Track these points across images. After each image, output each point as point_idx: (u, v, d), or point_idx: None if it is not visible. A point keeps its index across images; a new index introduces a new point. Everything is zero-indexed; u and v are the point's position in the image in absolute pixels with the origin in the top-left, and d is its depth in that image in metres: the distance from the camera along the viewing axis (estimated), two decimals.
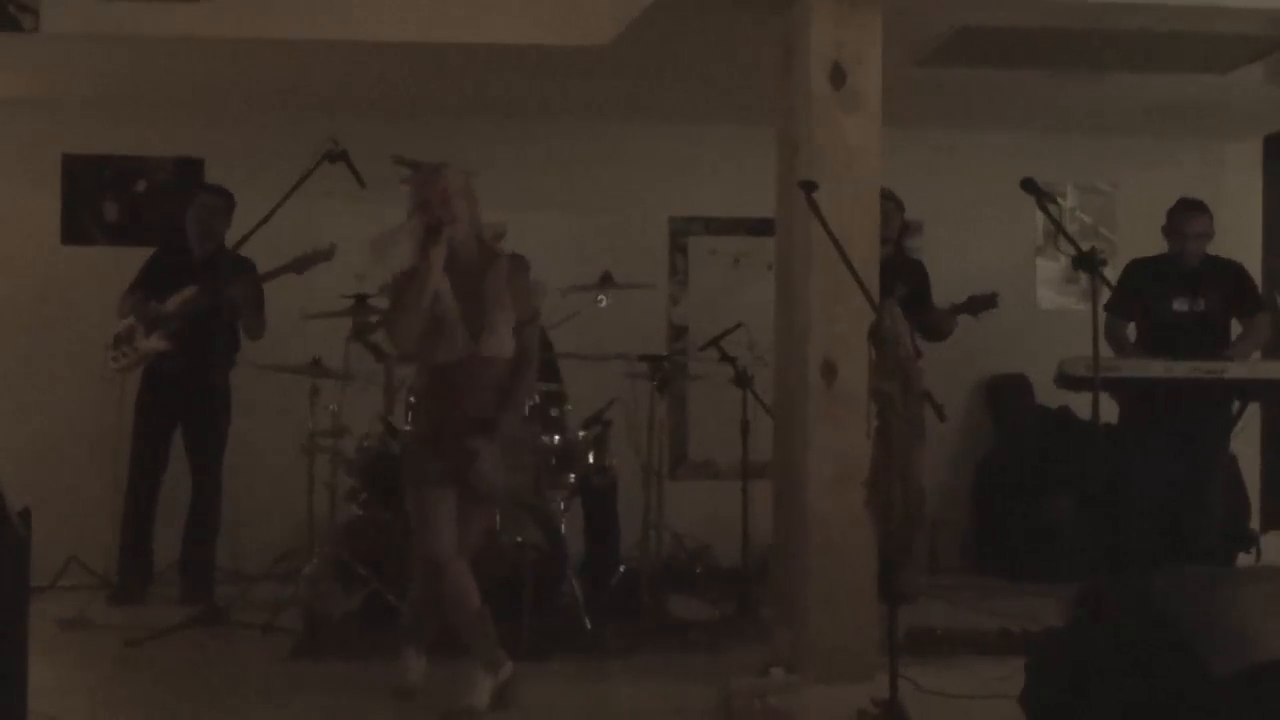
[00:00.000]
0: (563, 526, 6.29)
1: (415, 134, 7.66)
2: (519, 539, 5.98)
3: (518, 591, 5.78)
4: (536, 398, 6.25)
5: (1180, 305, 6.84)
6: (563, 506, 6.39)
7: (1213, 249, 6.97)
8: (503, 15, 6.34)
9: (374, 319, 6.47)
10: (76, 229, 7.96)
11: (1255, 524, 8.34)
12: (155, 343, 6.81)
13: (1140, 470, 6.76)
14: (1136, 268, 7.03)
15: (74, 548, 7.17)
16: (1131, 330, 6.96)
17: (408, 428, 5.72)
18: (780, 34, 5.59)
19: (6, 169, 7.84)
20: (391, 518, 6.12)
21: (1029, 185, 5.18)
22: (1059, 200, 8.22)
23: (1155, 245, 7.00)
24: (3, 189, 7.83)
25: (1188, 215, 6.83)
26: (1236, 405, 6.94)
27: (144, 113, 7.84)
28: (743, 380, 6.86)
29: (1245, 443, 7.81)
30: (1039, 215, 7.33)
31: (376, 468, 6.42)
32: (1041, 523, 7.94)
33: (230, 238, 6.87)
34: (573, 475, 6.41)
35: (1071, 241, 5.17)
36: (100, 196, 7.97)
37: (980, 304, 7.19)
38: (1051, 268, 8.62)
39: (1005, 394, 8.54)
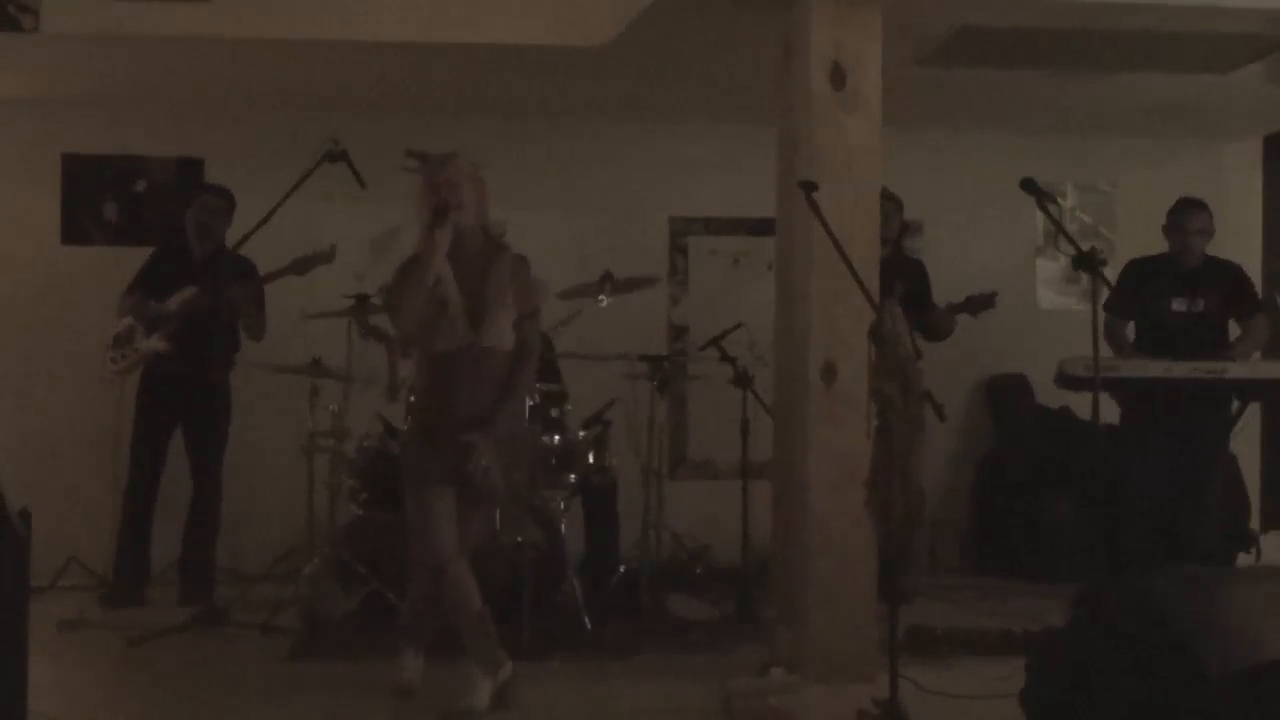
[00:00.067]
0: (563, 526, 6.30)
1: (415, 134, 7.66)
2: (519, 539, 5.98)
3: (518, 591, 5.78)
4: (537, 398, 6.25)
5: (1179, 305, 6.84)
6: (563, 506, 6.39)
7: (1212, 249, 6.98)
8: (503, 15, 6.34)
9: (376, 300, 6.43)
10: (76, 229, 7.96)
11: (1255, 524, 8.34)
12: (155, 343, 6.81)
13: (1140, 470, 6.77)
14: (1136, 267, 7.03)
15: (74, 548, 7.18)
16: (1131, 330, 6.96)
17: (406, 427, 5.72)
18: (780, 34, 5.59)
19: (6, 169, 7.84)
20: (391, 518, 6.12)
21: (1029, 185, 5.18)
22: (1059, 200, 8.22)
23: (1155, 245, 7.01)
24: (3, 189, 7.83)
25: (1188, 211, 6.84)
26: (1236, 405, 6.94)
27: (144, 113, 7.84)
28: (743, 380, 6.86)
29: (1245, 443, 7.82)
30: (1039, 215, 7.33)
31: (376, 468, 6.42)
32: (1041, 523, 7.94)
33: (230, 238, 6.86)
34: (573, 475, 6.41)
35: (1071, 241, 5.17)
36: (100, 196, 7.97)
37: (979, 304, 7.19)
38: (1051, 268, 8.63)
39: (1005, 394, 8.54)
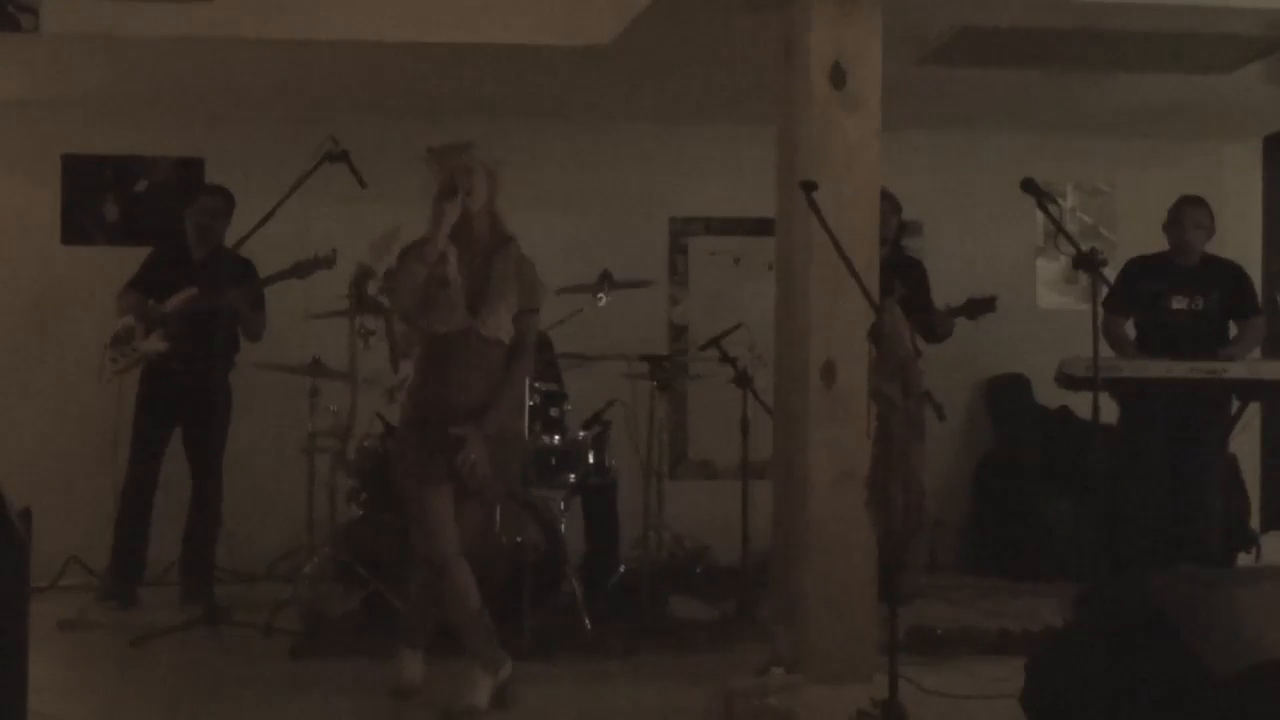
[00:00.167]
0: (563, 526, 6.29)
1: (415, 134, 7.60)
2: (519, 539, 5.98)
3: (518, 591, 5.78)
4: (537, 398, 6.25)
5: (1179, 304, 6.84)
6: (563, 506, 6.39)
7: (1212, 249, 6.98)
8: (503, 15, 6.34)
9: (376, 274, 6.41)
10: (76, 229, 7.96)
11: (1255, 524, 8.34)
12: (155, 343, 6.82)
13: (1140, 470, 6.76)
14: (1135, 266, 7.04)
15: (74, 548, 7.18)
16: (1131, 328, 6.96)
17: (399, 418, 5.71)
18: (780, 34, 5.59)
19: (6, 169, 7.84)
20: (391, 518, 6.12)
21: (1029, 185, 5.18)
22: (1059, 200, 8.21)
23: (1155, 245, 7.01)
24: (3, 189, 7.83)
25: (1186, 207, 6.86)
26: (1236, 405, 6.94)
27: (144, 113, 7.84)
28: (743, 380, 6.86)
29: (1245, 443, 7.82)
30: (1039, 215, 7.32)
31: (376, 468, 6.42)
32: (1041, 523, 7.94)
33: (230, 237, 6.86)
34: (573, 475, 6.41)
35: (1071, 241, 5.16)
36: (100, 196, 7.98)
37: (978, 307, 7.19)
38: (1051, 268, 8.62)
39: (1005, 394, 8.54)
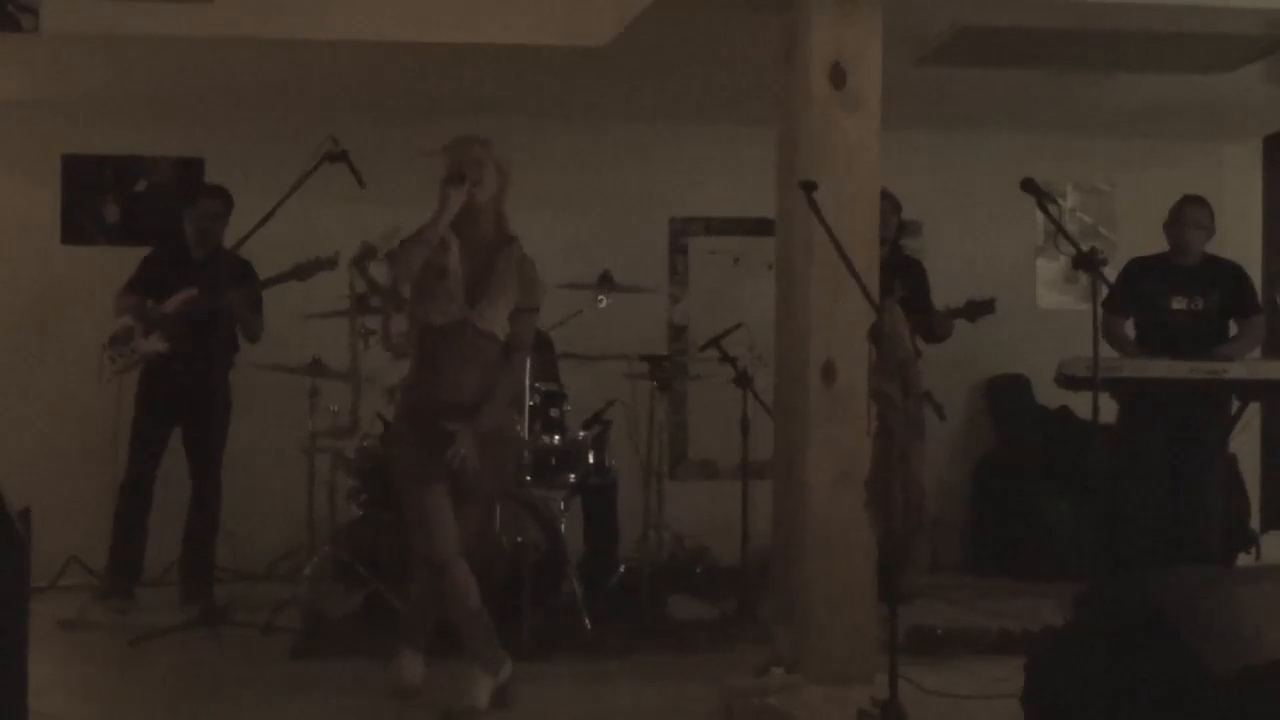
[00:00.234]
0: (563, 526, 6.29)
1: (415, 134, 7.63)
2: (519, 539, 5.98)
3: (518, 591, 5.78)
4: (536, 398, 6.25)
5: (1179, 303, 6.84)
6: (563, 506, 6.39)
7: (1212, 249, 6.98)
8: (503, 15, 6.34)
9: (375, 248, 6.39)
10: (76, 229, 7.96)
11: (1255, 524, 8.34)
12: (155, 344, 6.82)
13: (1140, 470, 6.76)
14: (1135, 266, 7.04)
15: (74, 548, 7.18)
16: (1131, 328, 6.96)
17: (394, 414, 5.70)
18: (780, 34, 5.59)
19: (6, 169, 7.84)
20: (391, 518, 6.12)
21: (1029, 185, 5.18)
22: (1059, 200, 8.22)
23: (1155, 245, 7.01)
24: (3, 189, 7.84)
25: (1185, 206, 6.87)
26: (1236, 405, 6.94)
27: (144, 113, 7.84)
28: (743, 380, 6.86)
29: (1245, 443, 7.82)
30: (1039, 215, 7.32)
31: (376, 468, 6.42)
32: (1041, 522, 7.94)
33: (230, 237, 6.86)
34: (573, 475, 6.41)
35: (1071, 241, 5.16)
36: (100, 196, 7.98)
37: (978, 309, 7.19)
38: (1051, 268, 8.62)
39: (1005, 394, 8.55)
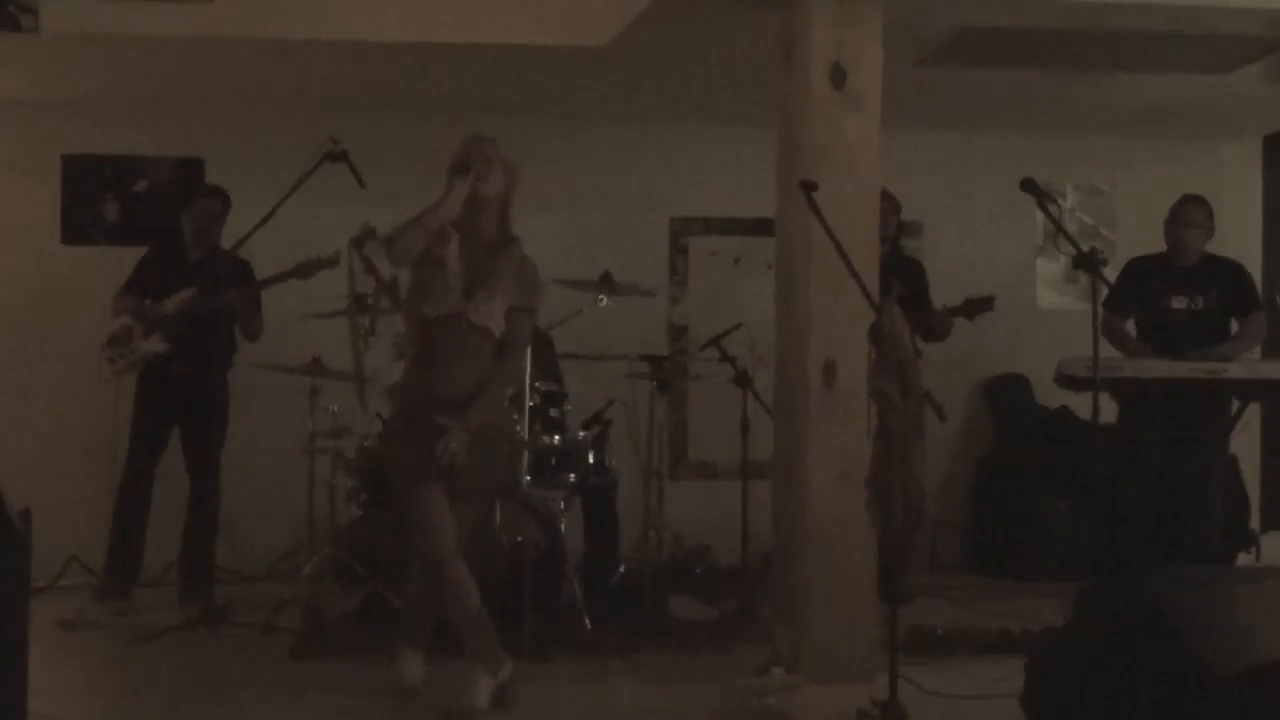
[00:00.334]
0: (563, 526, 6.29)
1: (415, 134, 7.66)
2: (519, 539, 5.98)
3: (518, 591, 5.78)
4: (537, 398, 6.25)
5: (1179, 303, 6.84)
6: (563, 506, 6.39)
7: (1212, 249, 6.98)
8: (503, 15, 6.34)
9: (375, 229, 6.38)
10: (76, 229, 7.96)
11: (1255, 524, 8.34)
12: (155, 344, 6.82)
13: (1140, 470, 6.76)
14: (1136, 266, 7.04)
15: (74, 548, 7.18)
16: (1131, 328, 6.96)
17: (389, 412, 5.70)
18: (780, 34, 5.59)
19: (6, 169, 7.84)
20: (391, 518, 6.12)
21: (1029, 185, 5.19)
22: (1059, 200, 8.22)
23: (1155, 245, 7.01)
24: (2, 189, 7.83)
25: (1184, 205, 6.87)
26: (1236, 405, 6.94)
27: (144, 113, 7.84)
28: (743, 380, 6.86)
29: (1245, 443, 7.82)
30: (1039, 215, 7.32)
31: (376, 468, 6.41)
32: (1041, 522, 7.94)
33: (230, 237, 6.87)
34: (573, 475, 6.41)
35: (1071, 241, 5.17)
36: (100, 196, 7.98)
37: (976, 307, 7.19)
38: (1051, 268, 8.63)
39: (1005, 394, 8.54)
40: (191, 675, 5.62)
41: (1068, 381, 6.58)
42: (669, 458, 7.57)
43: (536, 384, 6.26)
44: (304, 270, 6.59)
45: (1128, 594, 4.22)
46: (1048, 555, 7.76)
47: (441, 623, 5.10)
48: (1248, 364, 6.79)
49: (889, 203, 6.74)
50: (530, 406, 6.18)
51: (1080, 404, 7.12)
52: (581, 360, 6.88)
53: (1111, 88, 7.39)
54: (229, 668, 5.70)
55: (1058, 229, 5.15)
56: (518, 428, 6.09)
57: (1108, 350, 6.57)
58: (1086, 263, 5.18)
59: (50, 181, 7.91)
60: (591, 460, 6.47)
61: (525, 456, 6.20)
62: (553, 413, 6.42)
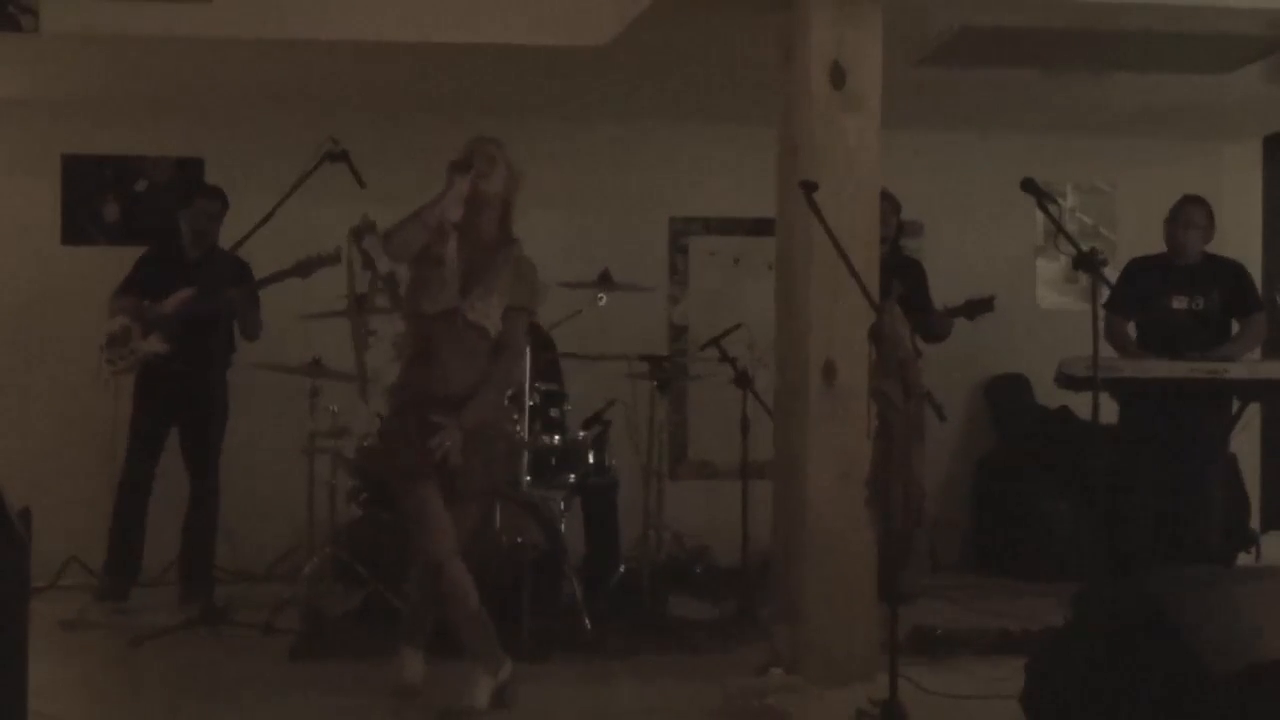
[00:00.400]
0: (563, 526, 6.30)
1: (415, 134, 7.67)
2: (519, 539, 5.98)
3: (518, 591, 5.78)
4: (536, 398, 6.25)
5: (1179, 303, 6.84)
6: (563, 506, 6.39)
7: (1212, 249, 6.98)
8: (503, 15, 6.34)
9: (374, 222, 6.37)
10: (76, 229, 7.96)
11: (1255, 524, 8.34)
12: (154, 344, 6.82)
13: (1140, 470, 6.76)
14: (1136, 267, 7.04)
15: (74, 548, 7.18)
16: (1132, 329, 6.96)
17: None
18: (780, 34, 5.59)
19: (6, 169, 7.84)
20: (391, 518, 6.12)
21: (1029, 185, 5.19)
22: (1059, 200, 8.22)
23: (1155, 245, 7.01)
24: (3, 189, 7.83)
25: (1184, 205, 6.88)
26: (1236, 405, 6.94)
27: (144, 113, 7.84)
28: (743, 380, 6.86)
29: (1245, 443, 7.82)
30: (1039, 215, 7.32)
31: (376, 468, 6.42)
32: (1041, 523, 7.94)
33: (229, 237, 6.86)
34: (573, 475, 6.41)
35: (1071, 241, 5.17)
36: (100, 196, 7.98)
37: (977, 308, 7.19)
38: (1051, 268, 8.62)
39: (1005, 394, 8.54)
40: (191, 675, 5.62)
41: (1068, 381, 6.58)
42: (669, 458, 7.57)
43: (536, 384, 6.26)
44: (305, 268, 6.58)
45: (1128, 594, 4.22)
46: (1048, 555, 7.76)
47: (441, 623, 5.10)
48: (1248, 364, 6.79)
49: (889, 203, 6.74)
50: (530, 406, 6.18)
51: (1080, 404, 7.13)
52: (581, 360, 6.87)
53: (1111, 88, 7.38)
54: (229, 668, 5.70)
55: (1058, 229, 5.15)
56: (517, 428, 6.10)
57: (1108, 350, 6.57)
58: (1086, 263, 5.18)
59: (50, 181, 7.91)
60: (591, 460, 6.47)
61: (525, 456, 6.21)
62: (553, 413, 6.43)
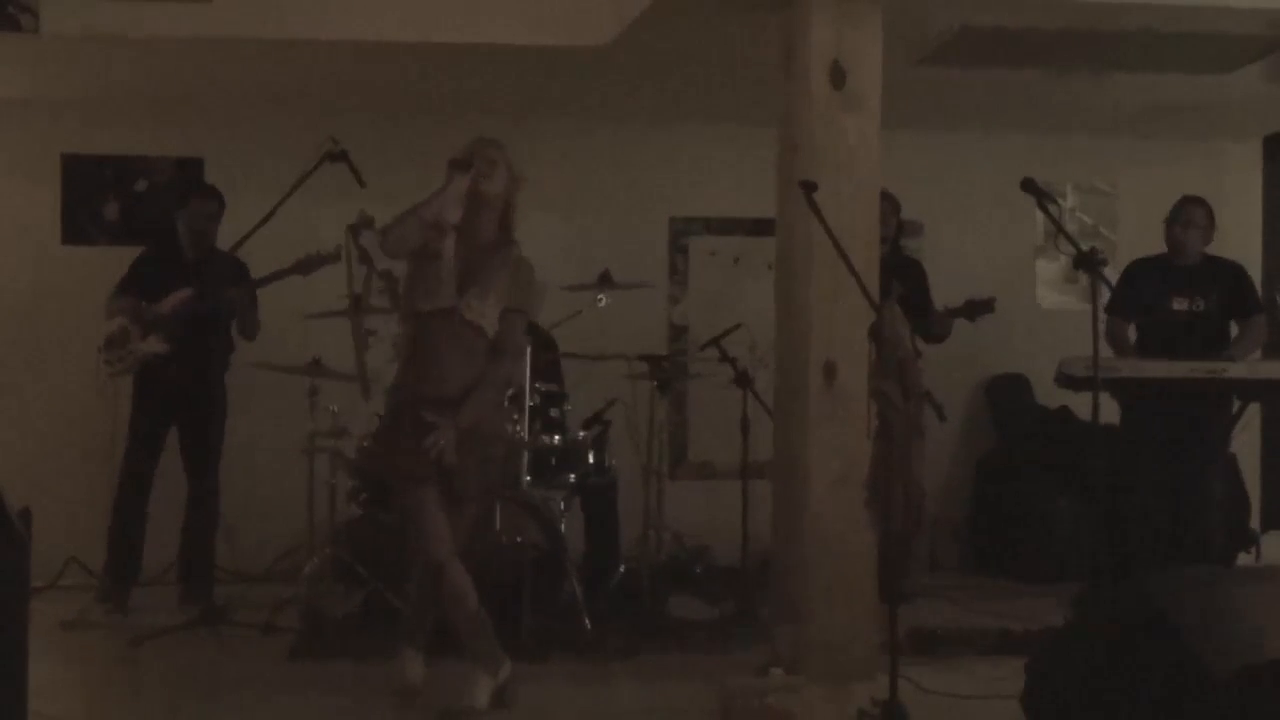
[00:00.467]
0: (563, 526, 6.29)
1: (415, 134, 7.66)
2: (519, 539, 5.98)
3: (518, 591, 5.78)
4: (537, 398, 6.25)
5: (1179, 304, 6.84)
6: (563, 506, 6.39)
7: (1212, 249, 6.98)
8: (503, 15, 6.34)
9: (372, 217, 6.37)
10: (76, 229, 7.96)
11: (1255, 524, 8.34)
12: (153, 345, 6.81)
13: (1140, 470, 6.76)
14: (1136, 268, 7.04)
15: (74, 548, 7.18)
16: (1133, 331, 6.96)
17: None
18: (780, 34, 5.59)
19: (6, 169, 7.84)
20: (391, 518, 6.13)
21: (1029, 185, 5.19)
22: (1059, 200, 8.22)
23: (1155, 245, 7.01)
24: (3, 189, 7.83)
25: (1183, 205, 6.88)
26: (1236, 405, 6.94)
27: (144, 113, 7.84)
28: (743, 380, 6.86)
29: (1245, 443, 7.82)
30: (1039, 215, 7.32)
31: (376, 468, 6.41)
32: (1041, 523, 7.94)
33: (229, 237, 6.86)
34: (573, 475, 6.41)
35: (1071, 241, 5.16)
36: (100, 196, 7.98)
37: (977, 309, 7.19)
38: (1051, 268, 8.62)
39: (1005, 394, 8.54)
40: (191, 675, 5.62)
41: (1068, 381, 6.58)
42: (669, 458, 7.57)
43: (536, 384, 6.26)
44: (305, 266, 6.58)
45: (1128, 595, 4.23)
46: (1048, 555, 7.77)
47: (441, 623, 5.10)
48: (1248, 364, 6.78)
49: (889, 203, 6.74)
50: (530, 406, 6.18)
51: (1080, 404, 7.13)
52: (581, 360, 6.87)
53: (1111, 88, 7.38)
54: (229, 668, 5.70)
55: (1058, 229, 5.15)
56: (516, 428, 6.10)
57: (1107, 350, 6.57)
58: (1086, 263, 5.18)
59: (50, 181, 7.91)
60: (591, 460, 6.48)
61: (525, 456, 6.21)
62: (553, 413, 6.43)
